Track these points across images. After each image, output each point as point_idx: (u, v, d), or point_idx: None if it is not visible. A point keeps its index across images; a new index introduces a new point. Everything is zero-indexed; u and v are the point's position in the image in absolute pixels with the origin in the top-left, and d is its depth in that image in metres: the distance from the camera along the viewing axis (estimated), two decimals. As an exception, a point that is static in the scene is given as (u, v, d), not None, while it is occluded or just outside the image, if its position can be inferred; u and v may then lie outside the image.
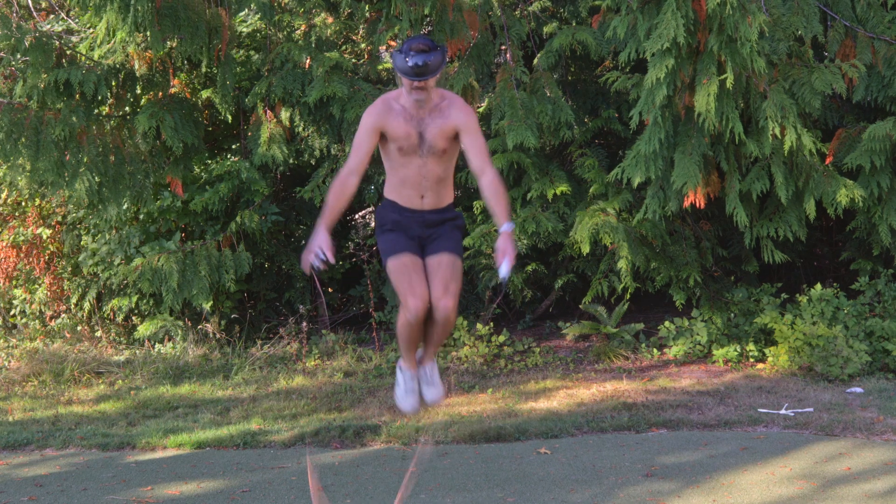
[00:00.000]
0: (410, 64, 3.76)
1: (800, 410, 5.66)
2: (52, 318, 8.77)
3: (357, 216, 9.64)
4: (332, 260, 3.84)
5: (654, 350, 7.57)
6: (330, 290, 9.17)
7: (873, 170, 6.52)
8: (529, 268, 7.91)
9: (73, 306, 8.59)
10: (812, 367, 6.58)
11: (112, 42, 7.24)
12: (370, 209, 9.38)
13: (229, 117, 8.18)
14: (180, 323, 8.21)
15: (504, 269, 3.76)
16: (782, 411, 5.65)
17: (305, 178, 8.35)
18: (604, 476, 4.49)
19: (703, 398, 6.12)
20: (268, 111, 7.74)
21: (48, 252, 8.96)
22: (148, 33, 6.84)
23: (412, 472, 4.31)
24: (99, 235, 8.54)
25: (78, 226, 8.80)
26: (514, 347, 7.75)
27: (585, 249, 6.81)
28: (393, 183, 4.06)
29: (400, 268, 3.99)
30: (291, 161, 8.07)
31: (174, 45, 7.51)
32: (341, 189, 3.86)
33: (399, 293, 3.99)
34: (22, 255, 8.95)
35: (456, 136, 3.94)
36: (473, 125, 3.97)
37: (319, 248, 3.84)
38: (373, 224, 9.50)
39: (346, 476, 4.66)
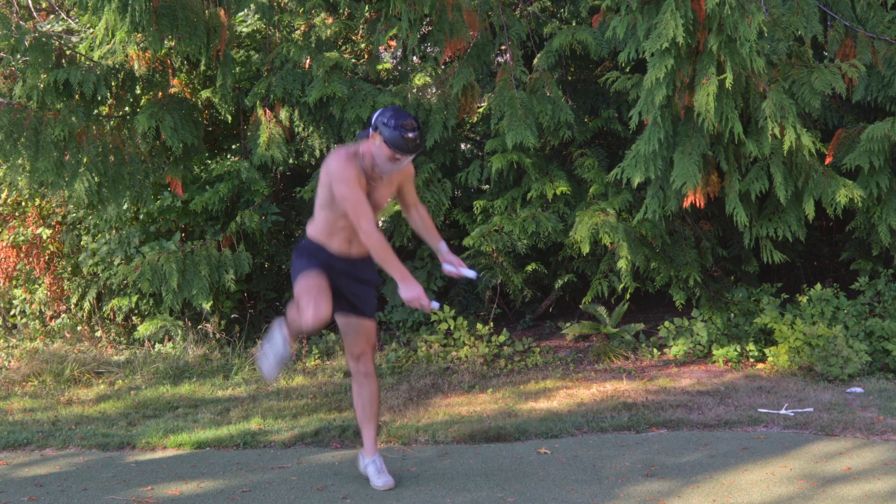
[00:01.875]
0: (411, 137, 3.93)
1: (800, 410, 5.66)
2: (52, 318, 8.77)
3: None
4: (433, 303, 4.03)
5: (654, 350, 7.57)
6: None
7: (872, 170, 6.52)
8: (529, 268, 7.91)
9: (73, 306, 8.60)
10: (812, 367, 6.58)
11: (112, 42, 7.25)
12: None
13: (229, 117, 8.19)
14: (180, 323, 8.22)
15: (466, 270, 4.11)
16: (782, 411, 5.65)
17: (305, 178, 8.35)
18: (604, 476, 4.49)
19: (703, 398, 6.12)
20: (267, 111, 7.74)
21: (48, 252, 8.97)
22: (146, 33, 6.84)
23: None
24: (99, 235, 8.55)
25: (78, 226, 8.80)
26: (514, 347, 7.75)
27: (585, 249, 6.81)
28: (322, 229, 4.20)
29: (309, 282, 4.11)
30: (291, 161, 8.08)
31: (173, 44, 7.51)
32: (380, 237, 4.00)
33: (301, 304, 4.09)
34: (22, 255, 8.96)
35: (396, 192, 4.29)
36: (413, 176, 4.32)
37: (425, 298, 3.99)
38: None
39: (346, 476, 4.67)
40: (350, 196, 3.98)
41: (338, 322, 4.37)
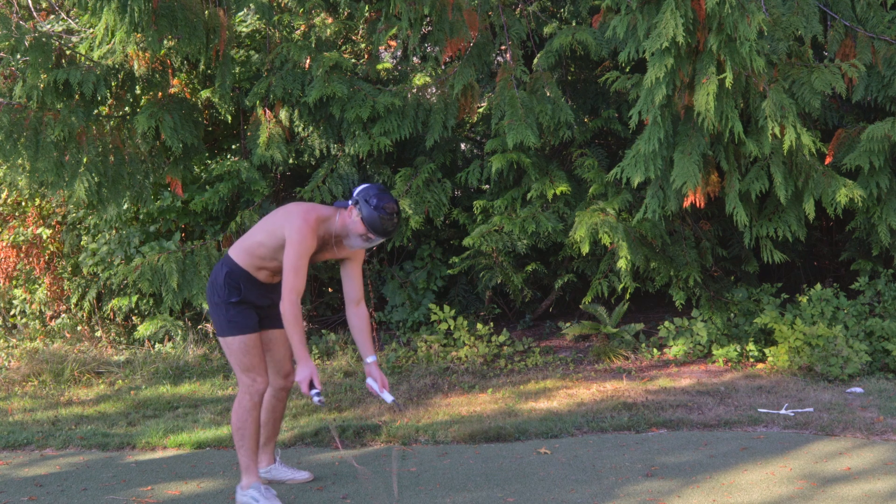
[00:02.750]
0: (389, 221, 4.00)
1: (800, 410, 5.66)
2: (52, 318, 8.78)
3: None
4: (320, 391, 4.06)
5: (654, 350, 7.57)
6: (330, 290, 9.17)
7: (872, 170, 6.52)
8: (529, 268, 7.91)
9: (73, 306, 8.60)
10: (812, 367, 6.58)
11: (111, 43, 7.25)
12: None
13: (229, 117, 8.19)
14: (180, 323, 8.22)
15: (387, 395, 4.19)
16: (782, 411, 5.65)
17: (305, 178, 8.35)
18: (604, 476, 4.49)
19: (703, 398, 6.12)
20: (267, 111, 7.74)
21: (48, 252, 8.97)
22: (145, 33, 6.84)
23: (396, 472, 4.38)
24: (99, 235, 8.55)
25: (78, 226, 8.81)
26: (514, 347, 7.75)
27: (585, 249, 6.81)
28: (250, 261, 4.19)
29: (250, 345, 4.17)
30: (291, 161, 8.07)
31: (172, 44, 7.51)
32: (299, 312, 3.99)
33: (246, 370, 4.14)
34: (22, 255, 8.96)
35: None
36: (362, 258, 4.33)
37: (315, 385, 4.01)
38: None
39: (346, 476, 4.66)
40: (296, 264, 3.97)
41: (262, 340, 4.28)
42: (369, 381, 4.29)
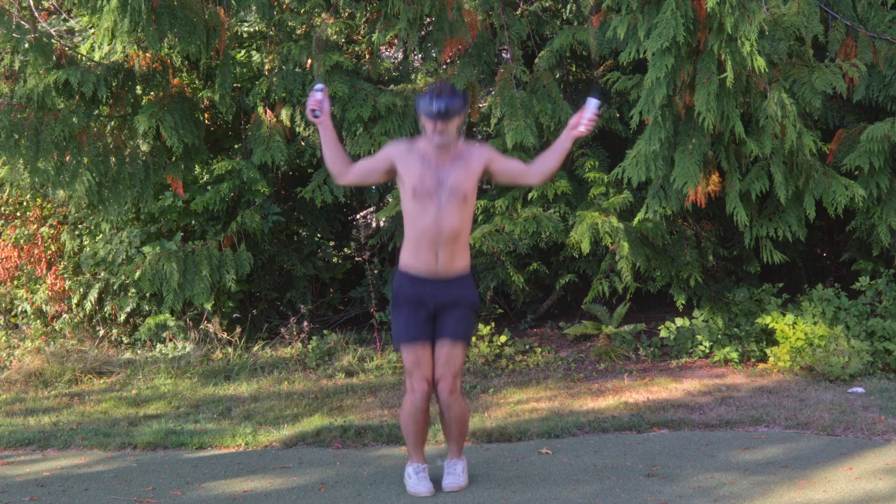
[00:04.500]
0: (434, 107, 3.99)
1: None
2: (53, 317, 8.78)
3: (358, 216, 9.64)
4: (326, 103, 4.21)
5: (656, 350, 7.57)
6: (332, 290, 9.18)
7: (872, 170, 6.52)
8: (531, 268, 7.91)
9: (74, 306, 8.60)
10: (813, 367, 6.58)
11: (112, 43, 7.25)
12: (371, 209, 9.38)
13: (230, 117, 8.19)
14: (181, 323, 8.22)
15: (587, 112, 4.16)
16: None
17: (306, 178, 8.35)
18: (605, 476, 4.49)
19: (705, 398, 6.12)
20: (268, 111, 7.74)
21: (49, 252, 8.97)
22: (145, 33, 6.84)
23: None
24: (100, 236, 8.55)
25: (79, 226, 8.81)
26: (515, 347, 7.75)
27: (586, 249, 6.81)
28: (409, 245, 4.18)
29: (411, 353, 4.20)
30: (293, 160, 8.07)
31: (173, 44, 7.51)
32: (342, 156, 4.28)
33: (407, 376, 4.23)
34: (24, 254, 8.96)
35: (481, 177, 4.19)
36: (496, 153, 4.26)
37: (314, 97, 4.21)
38: (374, 224, 9.50)
39: (347, 476, 4.66)
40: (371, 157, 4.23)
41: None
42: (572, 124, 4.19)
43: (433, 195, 4.07)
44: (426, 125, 4.07)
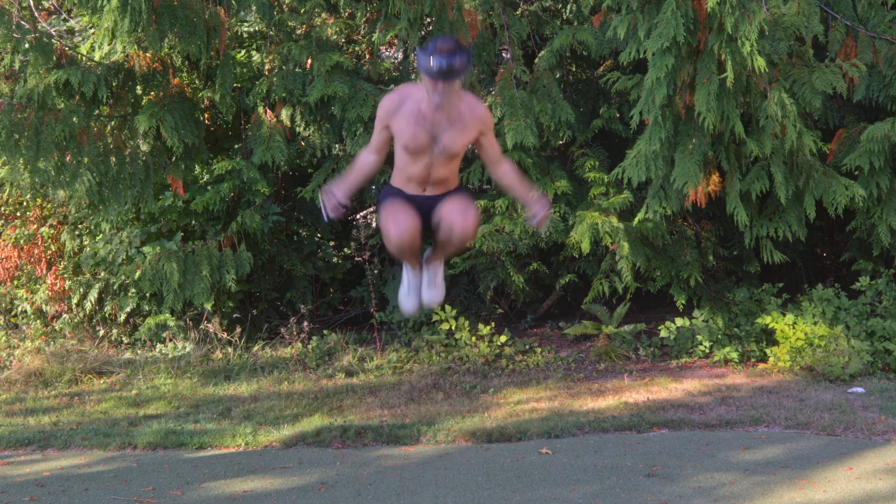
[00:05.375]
0: (435, 65, 3.62)
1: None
2: (53, 317, 8.78)
3: (358, 216, 9.64)
4: (344, 202, 3.92)
5: (656, 350, 7.57)
6: (332, 290, 9.18)
7: (872, 170, 6.52)
8: (531, 267, 7.91)
9: (74, 306, 8.60)
10: (813, 367, 6.57)
11: (113, 43, 7.25)
12: (371, 209, 9.38)
13: (230, 117, 8.18)
14: (181, 323, 8.22)
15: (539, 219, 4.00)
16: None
17: (306, 178, 8.35)
18: (605, 476, 4.49)
19: (705, 398, 6.12)
20: (268, 111, 7.74)
21: (49, 252, 8.97)
22: (146, 33, 6.84)
23: None
24: (100, 236, 8.55)
25: (79, 226, 8.81)
26: (515, 347, 7.75)
27: (586, 249, 6.81)
28: (399, 175, 4.06)
29: (387, 208, 3.97)
30: (293, 160, 8.07)
31: (173, 44, 7.51)
32: (359, 164, 3.96)
33: (382, 228, 3.96)
34: (23, 254, 8.96)
35: (474, 140, 3.96)
36: (492, 126, 4.00)
37: (332, 193, 3.90)
38: (374, 224, 9.50)
39: (347, 476, 4.67)
40: (375, 125, 3.96)
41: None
42: (532, 219, 4.06)
43: (425, 151, 3.91)
44: (426, 82, 3.70)
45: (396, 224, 3.89)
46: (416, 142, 3.87)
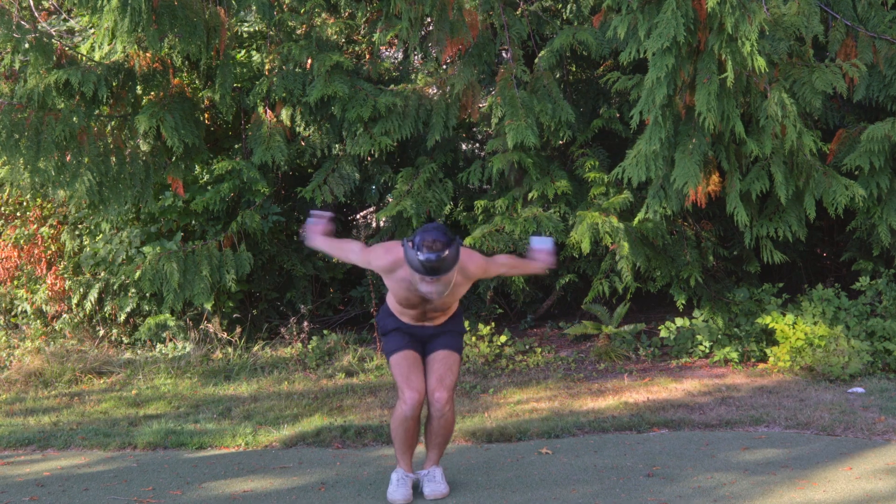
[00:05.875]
0: (426, 259, 3.63)
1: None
2: (53, 317, 8.77)
3: (358, 216, 9.64)
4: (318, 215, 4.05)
5: (656, 350, 7.57)
6: (332, 290, 9.17)
7: (872, 170, 6.52)
8: (531, 268, 7.89)
9: (74, 306, 8.60)
10: (813, 367, 6.58)
11: (113, 43, 7.25)
12: (371, 209, 9.38)
13: (230, 117, 8.19)
14: (181, 323, 8.22)
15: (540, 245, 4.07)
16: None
17: (306, 178, 8.35)
18: (605, 476, 4.49)
19: (705, 398, 6.12)
20: (268, 111, 7.74)
21: (49, 252, 8.97)
22: (146, 32, 6.84)
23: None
24: (100, 236, 8.55)
25: (79, 226, 8.81)
26: (515, 347, 7.75)
27: (586, 249, 6.81)
28: (395, 306, 4.14)
29: (400, 361, 4.11)
30: (293, 160, 8.07)
31: (173, 43, 7.51)
32: (346, 249, 4.19)
33: (397, 385, 4.12)
34: (23, 254, 8.96)
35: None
36: (483, 263, 4.04)
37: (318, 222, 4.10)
38: (374, 224, 9.50)
39: (348, 476, 4.66)
40: (364, 257, 4.02)
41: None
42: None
43: (418, 306, 4.05)
44: (411, 273, 3.73)
45: (411, 387, 4.04)
46: (408, 302, 4.01)
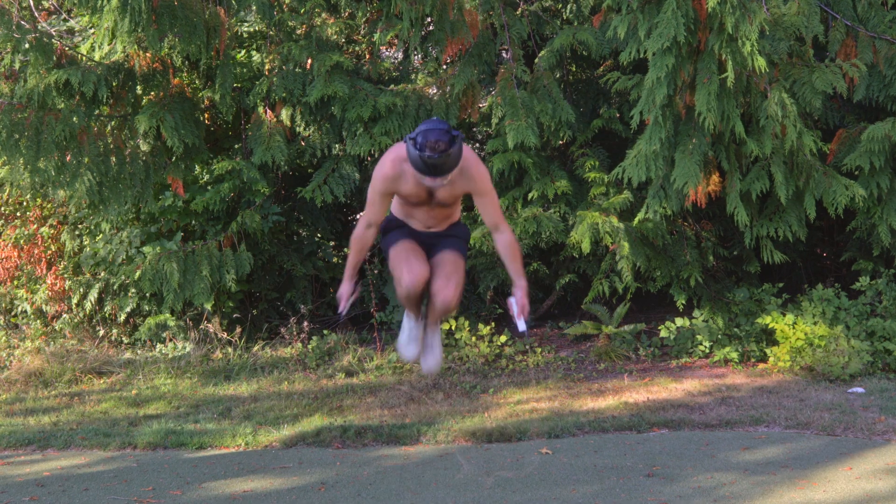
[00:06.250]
0: (428, 160, 3.60)
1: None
2: (53, 318, 8.78)
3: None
4: (343, 309, 4.00)
5: (656, 350, 7.57)
6: (332, 290, 9.17)
7: (872, 170, 6.52)
8: (531, 268, 7.91)
9: (74, 306, 8.60)
10: (813, 367, 6.57)
11: (113, 43, 7.25)
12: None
13: (230, 117, 8.18)
14: (181, 323, 8.22)
15: (521, 324, 3.85)
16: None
17: (306, 178, 8.35)
18: (605, 476, 4.49)
19: (705, 398, 6.12)
20: (268, 111, 7.74)
21: (49, 252, 8.97)
22: (146, 33, 6.84)
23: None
24: (100, 236, 8.55)
25: (79, 226, 8.81)
26: (515, 347, 7.75)
27: (586, 249, 6.81)
28: (400, 211, 4.11)
29: (399, 251, 4.02)
30: (293, 160, 8.07)
31: (173, 44, 7.51)
32: (361, 241, 3.96)
33: (394, 272, 4.02)
34: (23, 254, 8.96)
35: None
36: (486, 187, 3.93)
37: (343, 295, 3.97)
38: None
39: (348, 476, 4.66)
40: (368, 197, 3.96)
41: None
42: (511, 300, 3.99)
43: (423, 203, 3.97)
44: (414, 169, 3.71)
45: (410, 272, 3.96)
46: (418, 197, 3.93)
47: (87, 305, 8.49)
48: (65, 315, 8.70)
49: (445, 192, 3.91)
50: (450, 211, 4.07)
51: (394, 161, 3.86)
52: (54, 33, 8.01)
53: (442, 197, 3.93)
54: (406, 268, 3.95)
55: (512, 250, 3.99)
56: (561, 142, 7.86)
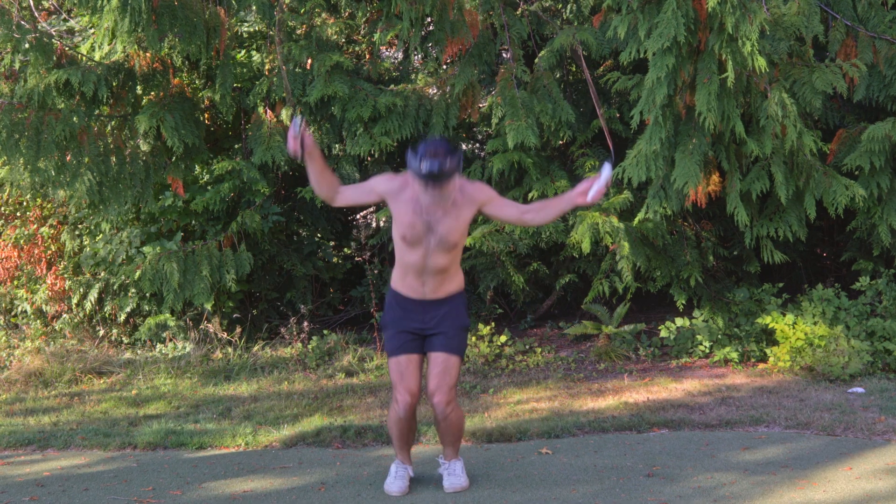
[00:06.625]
0: (424, 170, 3.74)
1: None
2: (53, 318, 8.78)
3: (358, 216, 9.64)
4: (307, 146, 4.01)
5: (656, 350, 7.57)
6: (332, 290, 9.18)
7: (873, 170, 6.52)
8: (531, 268, 7.91)
9: (74, 306, 8.60)
10: (813, 368, 6.57)
11: (113, 43, 7.25)
12: (371, 209, 9.38)
13: (230, 117, 8.19)
14: (181, 323, 8.22)
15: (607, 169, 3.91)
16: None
17: (307, 178, 8.33)
18: (605, 476, 4.49)
19: (705, 398, 6.12)
20: (269, 111, 7.74)
21: (49, 252, 8.97)
22: (146, 32, 6.84)
23: None
24: (100, 236, 8.56)
25: (79, 226, 8.81)
26: (515, 347, 7.75)
27: (586, 249, 6.81)
28: (398, 269, 4.15)
29: (396, 365, 4.16)
30: (293, 160, 8.07)
31: (173, 44, 7.51)
32: (334, 179, 4.16)
33: (392, 381, 4.18)
34: (23, 254, 8.97)
35: (469, 225, 4.06)
36: (491, 194, 4.04)
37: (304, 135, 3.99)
38: (374, 224, 9.51)
39: (347, 476, 4.66)
40: (362, 183, 4.06)
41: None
42: (605, 167, 3.95)
43: (422, 240, 3.99)
44: (417, 182, 3.84)
45: (404, 388, 4.10)
46: (413, 231, 3.96)
47: (87, 305, 8.49)
48: (65, 315, 8.70)
49: (446, 226, 3.95)
50: (449, 262, 4.05)
51: (400, 178, 3.99)
52: (54, 33, 8.01)
53: (443, 231, 3.95)
54: (401, 384, 4.11)
55: (546, 202, 4.10)
56: (561, 142, 7.86)
